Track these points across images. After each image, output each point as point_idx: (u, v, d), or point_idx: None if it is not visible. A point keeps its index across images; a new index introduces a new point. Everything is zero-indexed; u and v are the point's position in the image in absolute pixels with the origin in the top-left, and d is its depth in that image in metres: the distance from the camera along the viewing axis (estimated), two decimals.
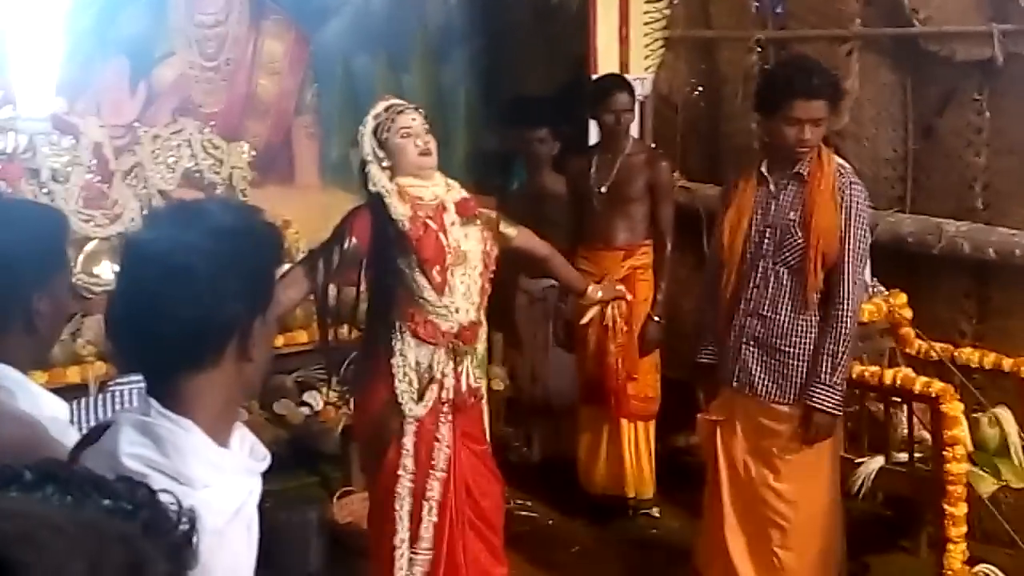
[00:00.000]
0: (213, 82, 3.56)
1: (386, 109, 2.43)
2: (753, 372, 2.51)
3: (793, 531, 2.52)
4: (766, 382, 2.50)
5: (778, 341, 2.49)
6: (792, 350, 2.48)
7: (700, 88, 4.16)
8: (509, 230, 2.56)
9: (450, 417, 2.40)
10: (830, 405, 2.44)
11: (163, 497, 0.68)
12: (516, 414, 3.85)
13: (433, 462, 2.38)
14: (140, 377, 1.06)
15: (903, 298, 3.17)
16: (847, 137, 3.51)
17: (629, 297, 3.08)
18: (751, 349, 2.52)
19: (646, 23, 4.11)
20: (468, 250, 2.43)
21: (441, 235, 2.39)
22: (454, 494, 2.41)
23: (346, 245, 2.35)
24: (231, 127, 3.55)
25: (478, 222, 2.46)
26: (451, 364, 2.40)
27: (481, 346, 2.56)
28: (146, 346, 1.04)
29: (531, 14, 4.13)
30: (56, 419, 1.33)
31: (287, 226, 3.52)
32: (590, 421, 3.39)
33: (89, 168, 3.12)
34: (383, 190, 2.37)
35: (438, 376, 2.39)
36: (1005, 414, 2.93)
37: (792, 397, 2.48)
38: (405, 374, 2.37)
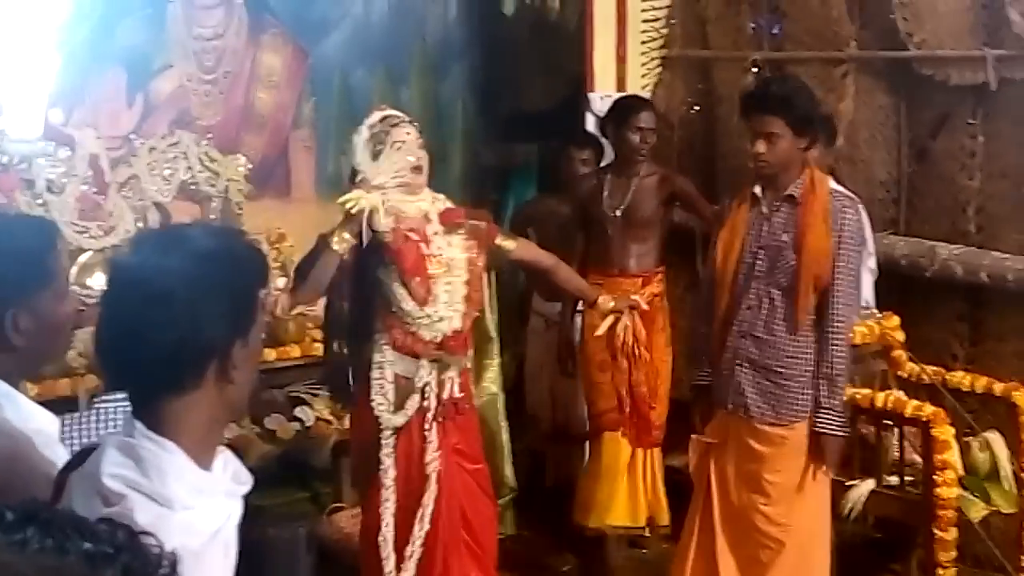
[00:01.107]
0: (211, 95, 3.57)
1: (381, 120, 2.43)
2: (747, 394, 2.51)
3: (783, 554, 2.52)
4: (760, 404, 2.51)
5: (771, 363, 2.49)
6: (785, 371, 2.48)
7: (697, 107, 4.18)
8: (507, 243, 2.55)
9: (436, 431, 2.38)
10: (835, 427, 2.46)
11: (145, 539, 0.68)
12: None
13: (423, 477, 2.36)
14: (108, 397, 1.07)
15: (896, 320, 3.17)
16: (842, 159, 3.52)
17: (645, 306, 2.97)
18: (745, 371, 2.52)
19: (643, 42, 4.13)
20: (452, 258, 2.42)
21: (423, 245, 2.40)
22: (447, 512, 2.39)
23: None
24: (228, 140, 3.55)
25: (462, 231, 2.46)
26: (434, 375, 2.39)
27: (468, 356, 2.53)
28: (128, 368, 1.06)
29: (529, 31, 4.16)
30: (42, 432, 1.33)
31: (282, 239, 3.53)
32: (606, 451, 3.21)
33: (85, 180, 3.12)
34: (368, 202, 2.35)
35: (419, 386, 2.37)
36: (996, 439, 2.93)
37: (786, 419, 2.48)
38: (382, 386, 2.36)
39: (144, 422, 1.04)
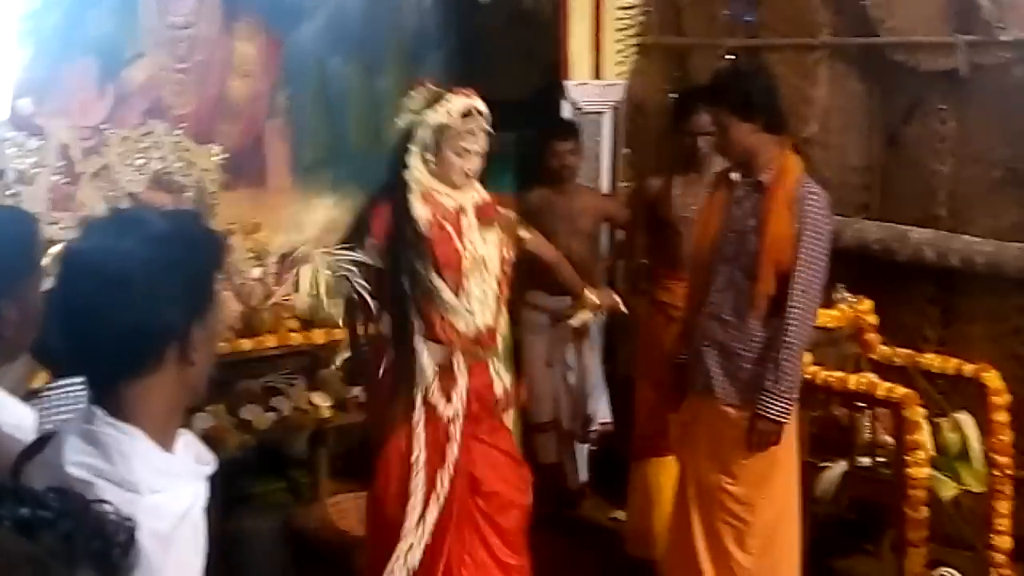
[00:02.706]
0: (184, 84, 3.54)
1: (463, 116, 2.33)
2: (713, 375, 2.54)
3: (750, 534, 2.55)
4: (725, 386, 2.53)
5: (737, 345, 2.52)
6: (750, 355, 2.50)
7: (673, 94, 4.19)
8: (525, 233, 2.53)
9: (462, 420, 2.36)
10: (775, 412, 2.44)
11: (100, 508, 0.68)
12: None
13: (443, 459, 2.34)
14: (72, 381, 1.06)
15: (868, 304, 3.21)
16: (815, 144, 3.55)
17: (625, 311, 2.91)
18: (711, 352, 2.55)
19: (619, 29, 4.13)
20: (486, 255, 2.38)
21: (456, 239, 2.35)
22: (458, 488, 2.36)
23: (366, 244, 2.30)
24: (202, 129, 3.52)
25: (497, 226, 2.42)
26: (467, 366, 2.36)
27: (501, 349, 2.49)
28: (86, 354, 1.05)
29: (505, 19, 4.15)
30: (20, 427, 1.32)
31: (257, 229, 3.51)
32: (658, 476, 3.09)
33: (56, 170, 3.09)
34: (413, 183, 2.31)
35: (457, 376, 2.35)
36: (966, 419, 2.97)
37: (743, 400, 2.50)
38: (426, 375, 2.32)
39: (104, 408, 1.04)
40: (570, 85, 4.02)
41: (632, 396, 3.30)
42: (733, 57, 3.84)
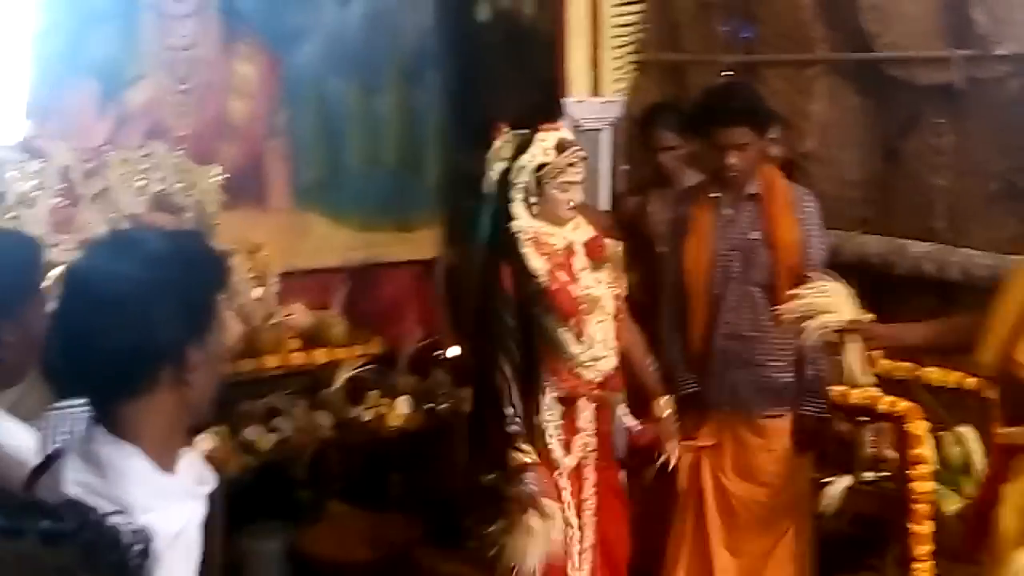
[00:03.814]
0: (184, 105, 3.55)
1: (559, 149, 2.28)
2: (742, 393, 2.55)
3: (782, 543, 2.59)
4: (757, 399, 2.56)
5: (763, 358, 2.55)
6: (777, 363, 2.54)
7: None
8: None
9: (592, 468, 2.36)
10: (819, 409, 2.54)
11: (116, 519, 0.68)
12: None
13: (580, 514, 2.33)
14: (72, 403, 1.07)
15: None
16: (813, 159, 3.57)
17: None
18: (737, 371, 2.56)
19: (617, 46, 4.15)
20: (600, 296, 2.34)
21: (573, 285, 2.31)
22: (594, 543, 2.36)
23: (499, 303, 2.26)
24: (202, 150, 3.53)
25: (608, 265, 2.39)
26: (594, 415, 2.35)
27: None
28: (82, 374, 1.05)
29: (504, 37, 4.17)
30: (21, 449, 1.32)
31: (258, 249, 3.52)
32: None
33: (57, 192, 3.09)
34: (522, 232, 2.28)
35: (581, 427, 2.34)
36: (969, 432, 2.97)
37: (780, 408, 2.54)
38: (551, 430, 2.30)
39: (104, 427, 1.05)
40: (569, 102, 4.04)
41: None
42: (731, 73, 3.87)
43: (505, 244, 2.29)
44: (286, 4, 3.78)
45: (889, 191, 3.54)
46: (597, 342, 2.31)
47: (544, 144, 2.27)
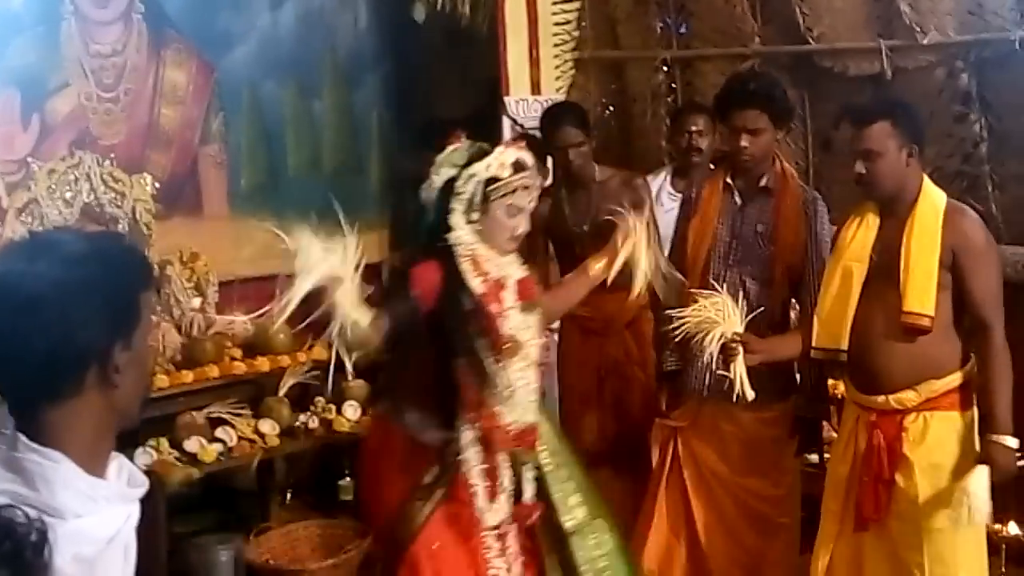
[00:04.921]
0: (112, 113, 3.45)
1: (515, 168, 2.05)
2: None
3: (766, 524, 2.61)
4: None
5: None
6: None
7: (611, 107, 4.23)
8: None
9: (513, 535, 2.13)
10: (809, 410, 2.58)
11: (12, 511, 0.65)
12: None
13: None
14: None
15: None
16: None
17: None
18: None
19: (556, 44, 4.17)
20: (526, 340, 2.10)
21: (501, 320, 2.07)
22: None
23: (405, 308, 1.99)
24: (133, 159, 3.44)
25: (537, 309, 2.15)
26: (510, 469, 2.10)
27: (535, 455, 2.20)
28: (2, 380, 1.02)
29: (442, 38, 4.15)
30: None
31: (196, 258, 3.44)
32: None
33: None
34: (461, 247, 2.04)
35: (502, 482, 2.09)
36: None
37: (768, 400, 2.49)
38: (474, 476, 2.04)
39: (27, 433, 1.01)
40: (510, 101, 4.03)
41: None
42: (667, 68, 3.90)
43: (435, 252, 2.06)
44: (217, 8, 3.71)
45: (825, 180, 3.59)
46: (519, 388, 2.08)
47: (501, 158, 2.06)
